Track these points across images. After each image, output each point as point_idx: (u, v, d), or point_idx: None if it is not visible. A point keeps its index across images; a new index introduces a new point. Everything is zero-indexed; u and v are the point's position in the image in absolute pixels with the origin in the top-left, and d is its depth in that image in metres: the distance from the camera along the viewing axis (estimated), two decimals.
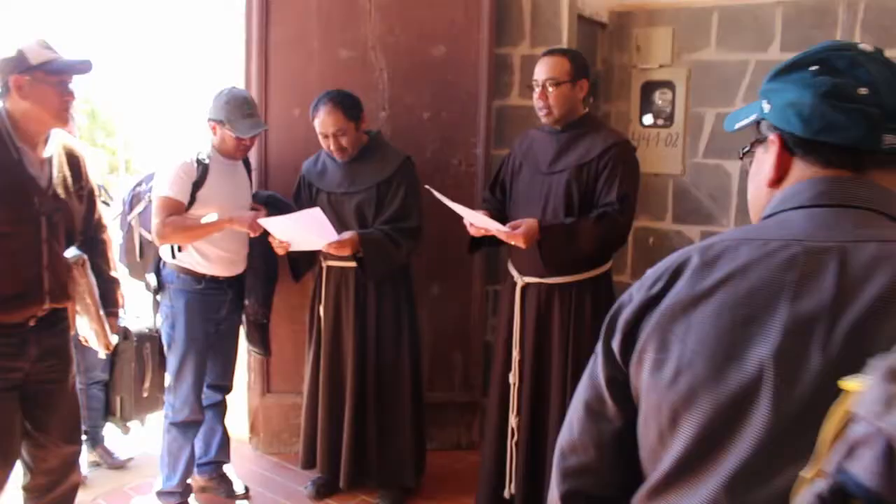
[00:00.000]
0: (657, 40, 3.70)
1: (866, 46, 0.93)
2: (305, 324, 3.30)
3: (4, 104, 2.19)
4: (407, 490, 3.15)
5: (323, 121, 2.88)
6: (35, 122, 2.20)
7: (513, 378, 2.73)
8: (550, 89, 2.61)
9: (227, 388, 3.18)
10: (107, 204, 3.10)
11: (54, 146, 2.30)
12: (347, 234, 2.84)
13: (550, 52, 2.70)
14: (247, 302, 3.14)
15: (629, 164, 2.63)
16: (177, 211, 2.81)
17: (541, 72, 2.63)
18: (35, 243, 2.21)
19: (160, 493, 3.00)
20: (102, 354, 2.54)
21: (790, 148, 0.94)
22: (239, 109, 2.88)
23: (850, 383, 0.68)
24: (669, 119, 3.73)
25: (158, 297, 3.03)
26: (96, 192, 2.53)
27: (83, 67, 2.26)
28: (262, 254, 3.09)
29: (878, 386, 0.63)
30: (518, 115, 3.49)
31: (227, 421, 3.23)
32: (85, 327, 2.43)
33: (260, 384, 3.54)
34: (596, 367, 1.00)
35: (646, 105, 3.78)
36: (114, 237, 2.75)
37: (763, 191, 0.98)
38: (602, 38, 3.84)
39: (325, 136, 2.91)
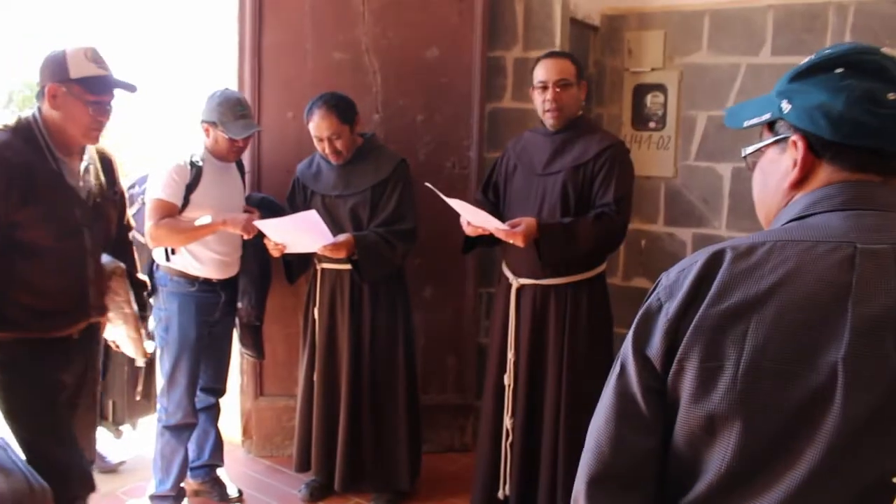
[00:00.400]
0: (649, 43, 3.72)
1: (888, 50, 0.94)
2: (298, 326, 3.29)
3: (41, 108, 2.11)
4: (401, 493, 3.14)
5: (317, 125, 2.88)
6: (65, 135, 2.12)
7: (508, 379, 2.74)
8: (562, 92, 2.63)
9: (220, 392, 3.17)
10: None
11: (89, 152, 2.24)
12: (343, 237, 2.84)
13: (553, 55, 2.70)
14: (240, 304, 3.13)
15: (625, 166, 2.65)
16: (170, 213, 2.80)
17: (549, 73, 2.64)
18: (80, 257, 2.16)
19: (153, 497, 2.99)
20: (141, 362, 2.50)
21: (816, 150, 0.94)
22: (232, 111, 2.87)
23: None
24: (661, 122, 3.75)
25: (151, 300, 3.01)
26: (126, 194, 2.49)
27: (126, 89, 2.16)
28: (256, 256, 3.08)
29: None
30: (511, 117, 3.50)
31: (220, 424, 3.22)
32: (121, 336, 2.37)
33: (253, 387, 3.53)
34: (627, 380, 0.96)
35: (638, 108, 3.80)
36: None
37: (781, 192, 0.98)
38: (594, 42, 3.85)
39: (320, 140, 2.91)
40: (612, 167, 2.60)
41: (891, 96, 0.89)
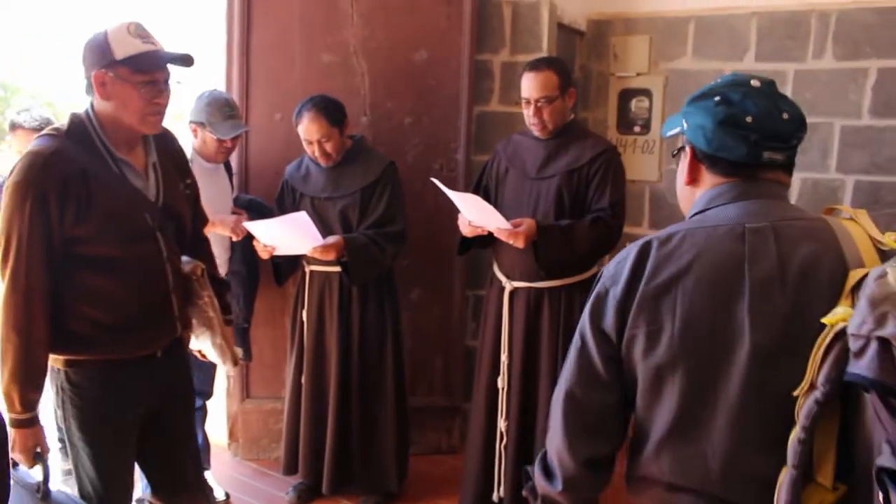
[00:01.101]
0: (634, 49, 3.77)
1: (756, 82, 1.22)
2: (285, 328, 3.29)
3: (93, 103, 1.86)
4: (390, 495, 3.15)
5: (307, 128, 2.88)
6: (122, 127, 1.86)
7: (501, 382, 2.75)
8: (544, 108, 2.62)
9: (207, 394, 3.16)
10: None
11: (152, 143, 1.96)
12: (332, 239, 2.84)
13: (536, 67, 2.64)
14: None
15: (619, 171, 2.67)
16: None
17: (532, 90, 2.61)
18: (157, 265, 1.93)
19: (140, 500, 2.96)
20: (231, 370, 2.24)
21: (699, 158, 1.24)
22: (220, 111, 2.87)
23: (831, 319, 1.01)
24: (646, 126, 3.79)
25: None
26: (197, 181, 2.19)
27: (180, 62, 1.87)
28: (244, 258, 3.08)
29: (865, 311, 0.94)
30: (498, 120, 3.52)
31: (207, 427, 3.20)
32: (206, 344, 2.15)
33: (239, 390, 3.52)
34: (588, 352, 1.22)
35: (623, 112, 3.84)
36: None
37: (685, 189, 1.29)
38: (580, 46, 3.89)
39: (310, 143, 2.91)
40: (607, 172, 2.63)
41: (748, 119, 1.17)
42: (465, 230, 2.67)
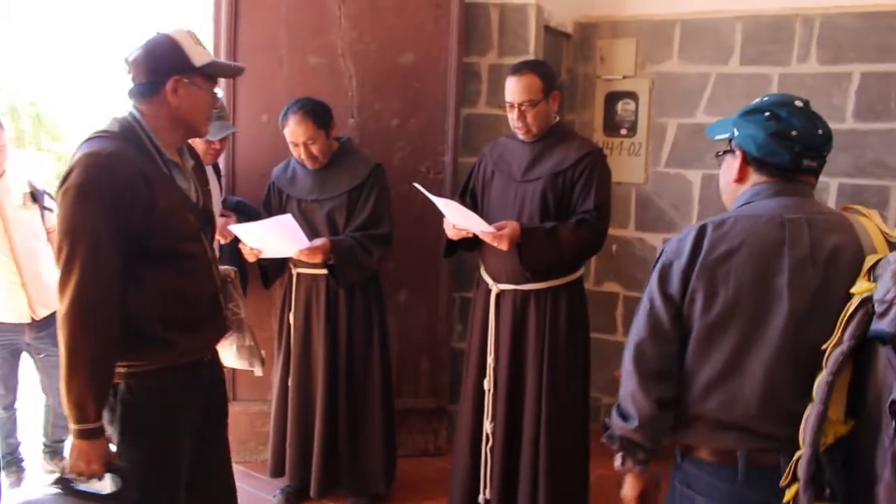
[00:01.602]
0: (621, 51, 3.78)
1: (799, 103, 1.50)
2: (273, 331, 3.28)
3: (141, 107, 1.81)
4: (377, 497, 3.14)
5: (293, 130, 2.88)
6: (175, 131, 1.85)
7: (488, 384, 2.75)
8: (528, 111, 2.62)
9: None
10: (51, 210, 3.04)
11: (186, 149, 1.97)
12: (319, 241, 2.84)
13: (520, 71, 2.63)
14: None
15: (604, 173, 2.67)
16: None
17: (515, 94, 2.61)
18: (205, 263, 1.91)
19: None
20: (260, 371, 2.22)
21: (748, 161, 1.53)
22: None
23: (857, 289, 1.32)
24: (632, 129, 3.81)
25: None
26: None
27: (237, 72, 2.03)
28: (232, 260, 3.06)
29: (889, 282, 1.23)
30: (485, 122, 3.53)
31: None
32: (231, 350, 2.13)
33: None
34: (656, 311, 1.50)
35: (609, 115, 3.86)
36: None
37: (731, 185, 1.57)
38: (567, 49, 3.90)
39: (296, 145, 2.91)
40: (592, 174, 2.62)
41: (793, 133, 1.46)
42: (451, 233, 2.68)
